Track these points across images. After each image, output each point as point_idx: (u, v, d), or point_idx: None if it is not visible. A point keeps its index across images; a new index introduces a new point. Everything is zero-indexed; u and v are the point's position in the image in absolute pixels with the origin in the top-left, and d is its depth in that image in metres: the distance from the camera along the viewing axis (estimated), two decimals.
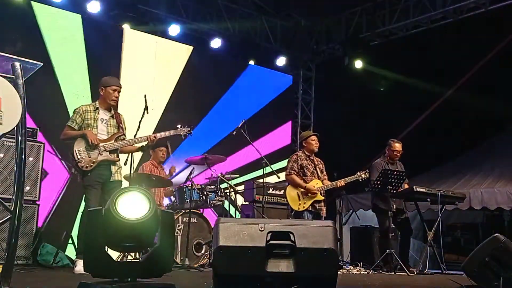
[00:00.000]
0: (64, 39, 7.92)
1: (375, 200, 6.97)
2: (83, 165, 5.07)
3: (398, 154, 7.11)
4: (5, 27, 7.37)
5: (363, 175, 6.79)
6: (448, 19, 9.12)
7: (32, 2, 7.68)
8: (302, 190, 6.50)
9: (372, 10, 9.88)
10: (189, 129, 5.68)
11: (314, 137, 6.81)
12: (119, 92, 5.35)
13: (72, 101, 7.64)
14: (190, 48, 9.41)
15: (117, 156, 5.34)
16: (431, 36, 9.70)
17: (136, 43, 8.84)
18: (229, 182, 6.80)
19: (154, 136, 5.39)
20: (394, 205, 6.75)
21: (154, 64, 8.99)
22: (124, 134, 5.41)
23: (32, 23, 7.63)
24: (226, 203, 7.07)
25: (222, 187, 6.74)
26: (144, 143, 5.37)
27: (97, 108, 5.31)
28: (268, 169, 6.87)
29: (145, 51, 8.95)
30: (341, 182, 6.64)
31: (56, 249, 5.92)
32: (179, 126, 5.69)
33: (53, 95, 7.68)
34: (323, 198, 6.62)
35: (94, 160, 5.11)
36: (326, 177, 6.80)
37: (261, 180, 7.20)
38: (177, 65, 9.22)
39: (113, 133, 5.33)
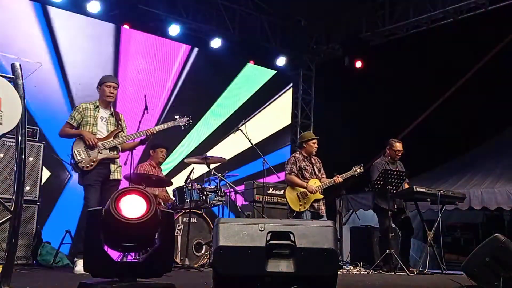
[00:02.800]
0: (65, 39, 7.92)
1: (376, 200, 6.97)
2: (83, 165, 5.07)
3: (399, 154, 7.11)
4: (5, 26, 7.37)
5: (358, 170, 6.77)
6: (448, 19, 9.11)
7: (34, 2, 7.69)
8: (302, 190, 6.49)
9: (372, 10, 9.88)
10: (188, 118, 5.64)
11: (315, 141, 6.79)
12: (114, 88, 5.32)
13: (73, 100, 7.64)
14: (190, 48, 9.40)
15: (117, 153, 5.32)
16: (431, 36, 9.69)
17: (135, 43, 8.84)
18: (229, 182, 6.79)
19: (153, 130, 5.35)
20: (395, 205, 6.76)
21: (153, 64, 8.99)
22: (122, 131, 5.40)
23: (33, 22, 7.63)
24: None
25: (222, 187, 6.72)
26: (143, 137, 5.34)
27: (97, 107, 5.32)
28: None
29: (145, 51, 8.95)
30: (338, 179, 6.63)
31: (56, 249, 5.92)
32: (177, 117, 5.66)
33: (54, 94, 7.68)
34: (322, 196, 6.61)
35: (94, 159, 5.11)
36: (324, 175, 6.78)
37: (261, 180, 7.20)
38: (177, 65, 9.22)
39: (112, 130, 5.32)
